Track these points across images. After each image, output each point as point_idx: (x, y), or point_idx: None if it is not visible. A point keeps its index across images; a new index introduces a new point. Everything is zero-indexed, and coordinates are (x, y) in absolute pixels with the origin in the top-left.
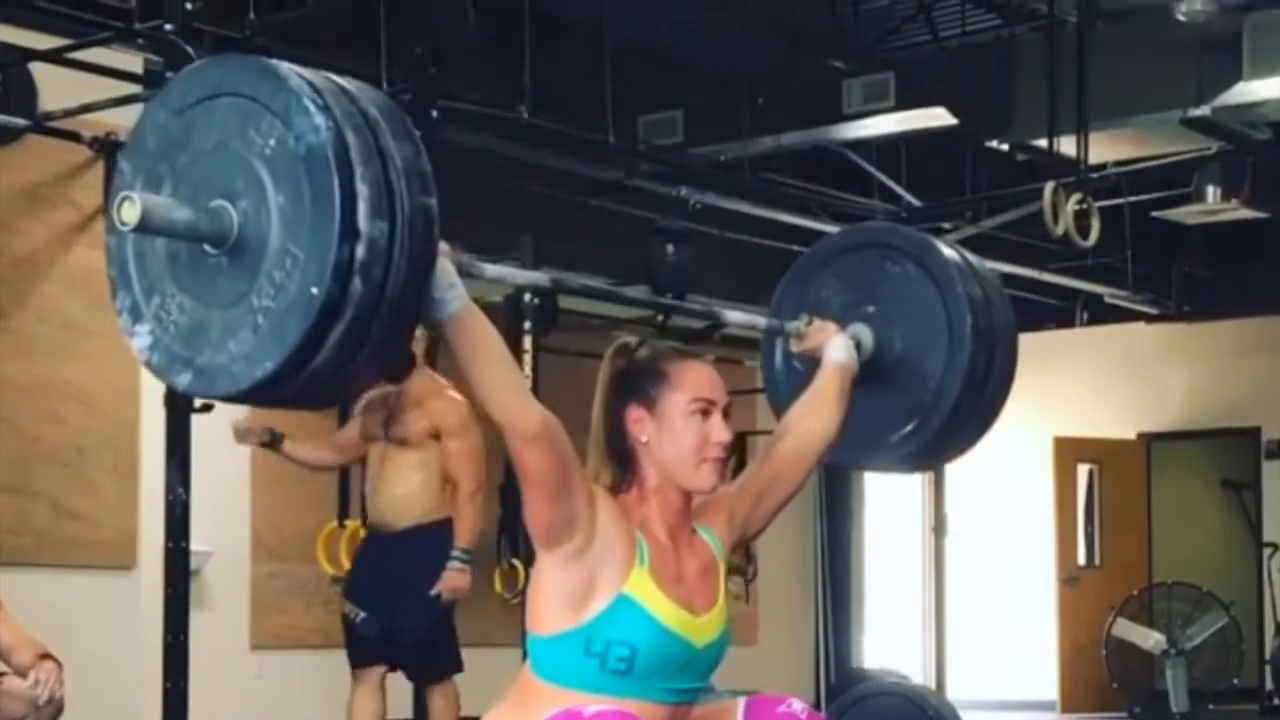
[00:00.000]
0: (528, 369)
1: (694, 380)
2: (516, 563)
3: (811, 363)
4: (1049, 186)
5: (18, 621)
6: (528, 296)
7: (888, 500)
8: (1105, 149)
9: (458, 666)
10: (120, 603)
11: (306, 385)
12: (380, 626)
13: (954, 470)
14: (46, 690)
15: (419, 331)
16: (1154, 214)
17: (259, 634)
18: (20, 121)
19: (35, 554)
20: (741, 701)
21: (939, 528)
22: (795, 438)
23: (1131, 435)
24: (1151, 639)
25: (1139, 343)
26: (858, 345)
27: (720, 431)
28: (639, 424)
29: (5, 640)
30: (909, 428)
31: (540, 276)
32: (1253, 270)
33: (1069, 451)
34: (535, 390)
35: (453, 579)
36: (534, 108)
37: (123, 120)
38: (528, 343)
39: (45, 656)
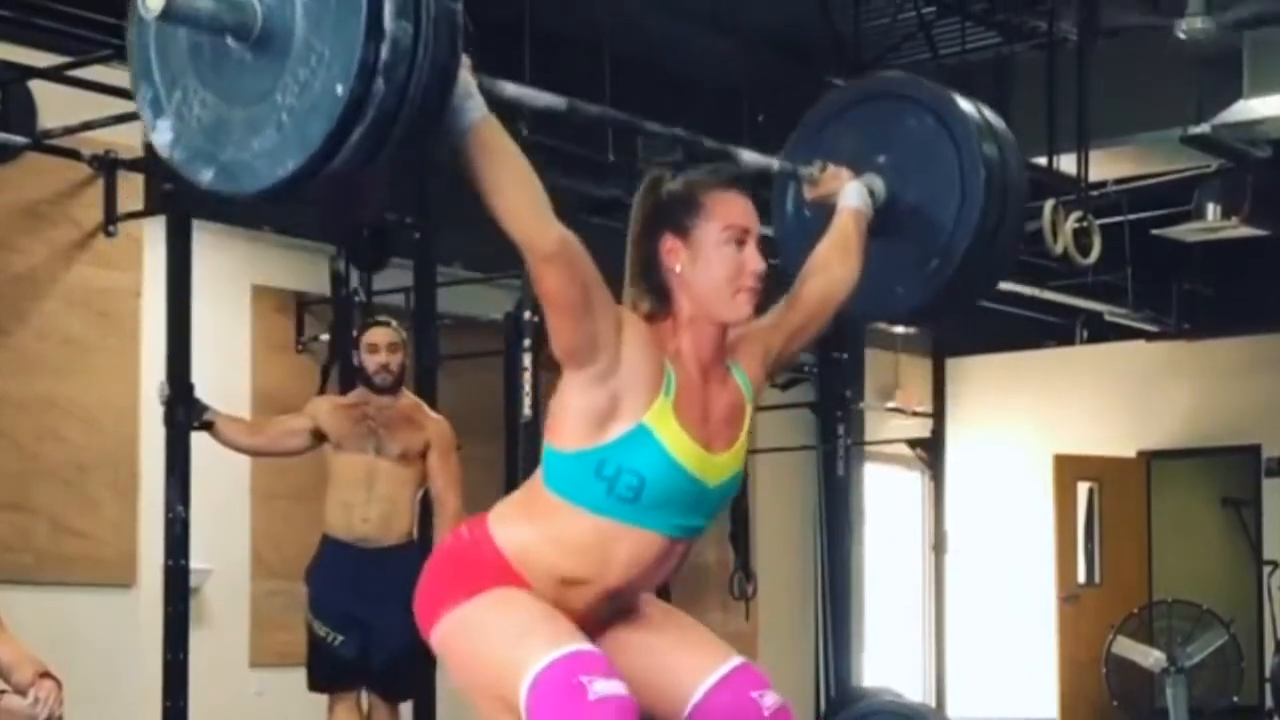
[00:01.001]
0: (527, 387)
1: (727, 209)
2: None
3: (823, 212)
4: (1049, 204)
5: (18, 639)
6: (527, 314)
7: (888, 517)
8: (1105, 167)
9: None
10: (120, 621)
11: (325, 184)
12: (359, 647)
13: (954, 487)
14: (45, 708)
15: (399, 340)
16: (1154, 232)
17: (259, 652)
18: (20, 139)
19: (35, 571)
20: (732, 662)
21: (939, 545)
22: (823, 281)
23: (1131, 453)
24: (1151, 657)
25: (1139, 361)
26: (871, 194)
27: (755, 261)
28: (673, 254)
29: (5, 658)
30: (917, 279)
31: (558, 100)
32: (1253, 288)
33: (1069, 469)
34: (535, 408)
35: None
36: (533, 125)
37: (122, 138)
38: (527, 360)
39: (45, 675)
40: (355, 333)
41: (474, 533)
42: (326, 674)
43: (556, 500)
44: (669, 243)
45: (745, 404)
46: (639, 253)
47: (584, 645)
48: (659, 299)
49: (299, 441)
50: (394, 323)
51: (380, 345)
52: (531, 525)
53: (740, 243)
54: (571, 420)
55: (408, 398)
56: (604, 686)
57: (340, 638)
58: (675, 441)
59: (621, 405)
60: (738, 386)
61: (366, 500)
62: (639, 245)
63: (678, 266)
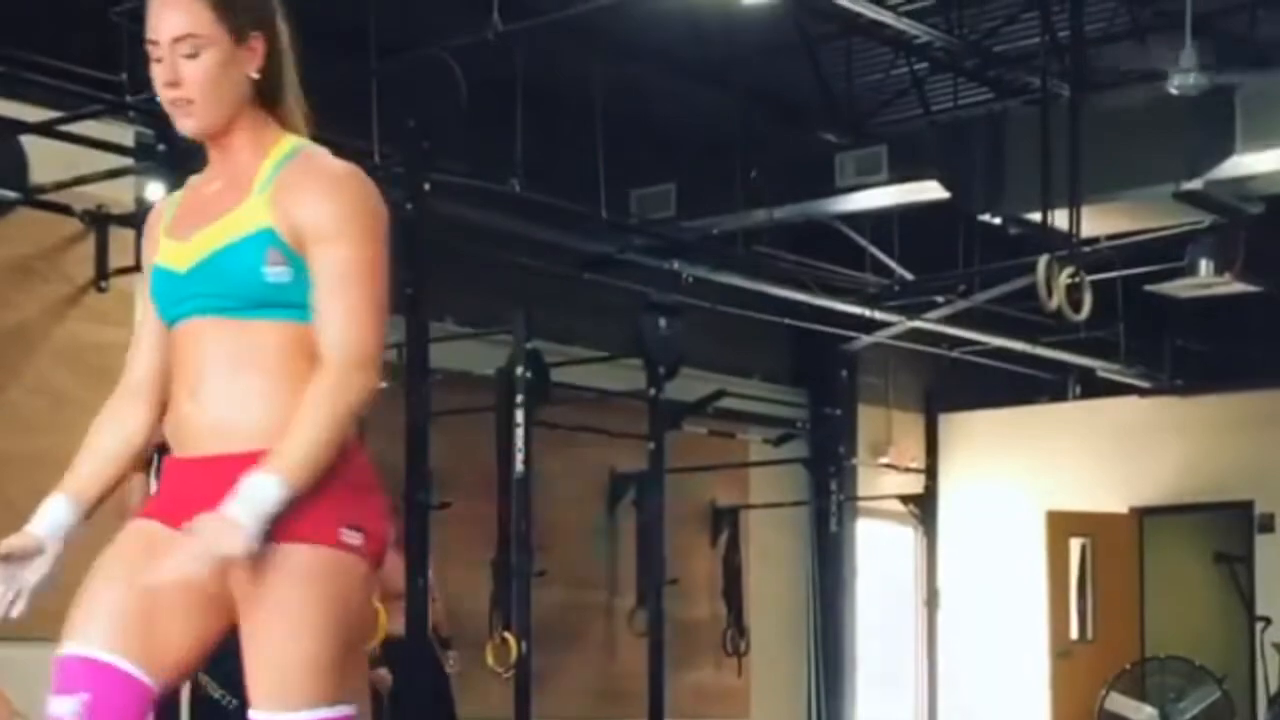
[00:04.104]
0: (520, 443)
1: (148, 25)
2: (509, 636)
3: None
4: (1042, 260)
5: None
6: (519, 369)
7: (881, 572)
8: (1098, 223)
9: None
10: None
11: None
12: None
13: (946, 543)
14: None
15: None
16: (1146, 288)
17: None
18: (11, 194)
19: (29, 628)
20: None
21: (932, 600)
22: None
23: (1124, 509)
24: (1144, 713)
25: (1131, 416)
26: None
27: (165, 72)
28: None
29: None
30: None
31: None
32: (1245, 344)
33: (1062, 525)
34: (527, 464)
35: None
36: (526, 181)
37: (114, 193)
38: (520, 416)
39: None
40: None
41: None
42: None
43: None
44: None
45: (239, 204)
46: None
47: (72, 650)
48: None
49: None
50: None
51: None
52: None
53: (156, 59)
54: None
55: None
56: (56, 705)
57: (235, 700)
58: (161, 253)
59: None
60: (243, 192)
61: None
62: None
63: None
